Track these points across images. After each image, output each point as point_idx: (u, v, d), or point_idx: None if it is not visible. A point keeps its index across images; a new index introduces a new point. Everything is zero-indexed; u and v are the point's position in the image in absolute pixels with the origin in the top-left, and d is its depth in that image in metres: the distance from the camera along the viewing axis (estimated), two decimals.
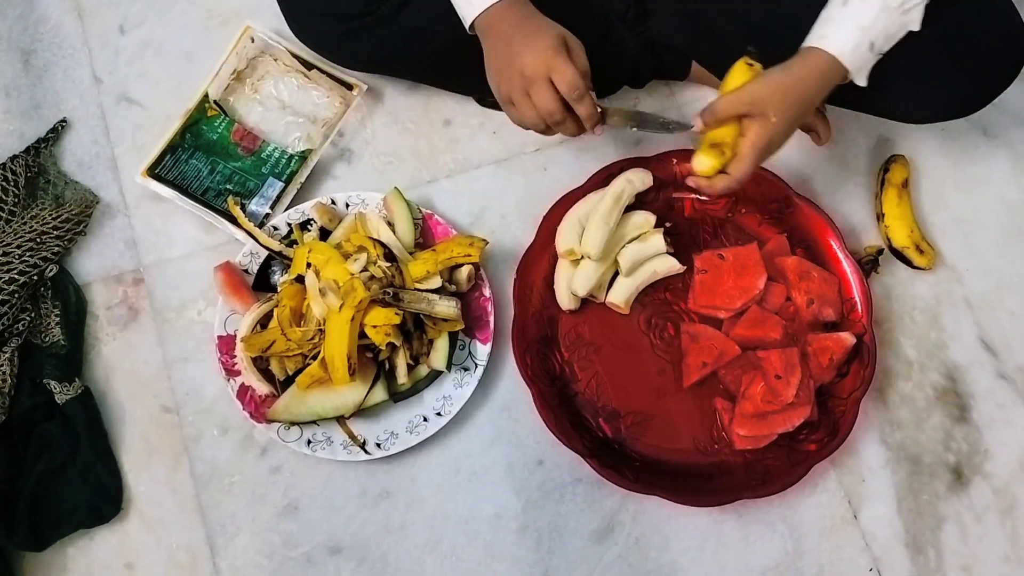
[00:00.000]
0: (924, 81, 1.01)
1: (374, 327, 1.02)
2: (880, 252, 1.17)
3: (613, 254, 1.12)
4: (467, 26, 0.98)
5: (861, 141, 1.24)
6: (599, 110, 0.96)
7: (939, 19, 0.95)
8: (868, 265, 1.16)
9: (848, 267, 1.13)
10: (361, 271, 1.04)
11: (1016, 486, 1.11)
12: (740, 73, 0.96)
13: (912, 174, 1.22)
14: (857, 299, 1.11)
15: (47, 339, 1.10)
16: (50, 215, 1.13)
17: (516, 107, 0.96)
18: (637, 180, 1.14)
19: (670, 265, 1.14)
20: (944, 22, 0.96)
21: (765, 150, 0.94)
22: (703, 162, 0.95)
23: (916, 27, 0.94)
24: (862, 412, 1.08)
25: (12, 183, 1.14)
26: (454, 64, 1.12)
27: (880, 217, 1.19)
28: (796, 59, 0.94)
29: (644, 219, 1.14)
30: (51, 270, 1.11)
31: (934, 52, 0.98)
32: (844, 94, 1.09)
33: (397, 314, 1.02)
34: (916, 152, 1.24)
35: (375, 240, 1.07)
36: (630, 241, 1.13)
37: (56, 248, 1.12)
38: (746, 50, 0.97)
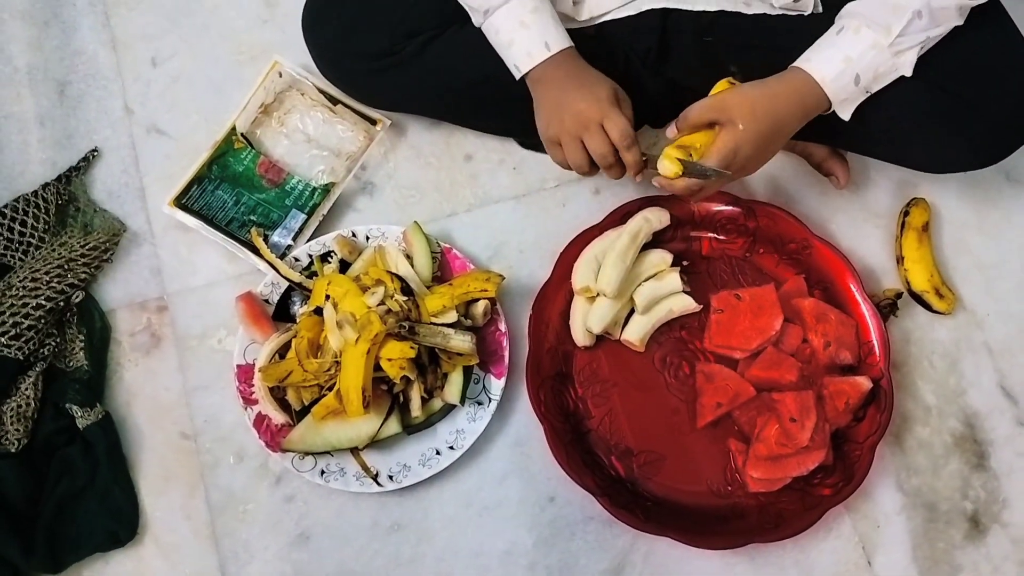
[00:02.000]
0: (945, 134, 1.02)
1: (389, 360, 1.03)
2: (899, 295, 1.16)
3: (629, 292, 1.13)
4: (518, 75, 1.02)
5: (881, 183, 1.24)
6: (643, 158, 1.00)
7: (957, 71, 0.96)
8: (887, 308, 1.16)
9: (866, 310, 1.12)
10: (378, 304, 1.05)
11: None
12: (721, 89, 1.00)
13: (933, 217, 1.22)
14: (875, 342, 1.11)
15: (71, 364, 1.12)
16: (78, 242, 1.15)
17: (564, 148, 1.00)
18: (654, 218, 1.14)
19: (686, 304, 1.14)
20: (963, 74, 0.96)
21: (729, 159, 0.95)
22: (667, 164, 0.97)
23: (908, 72, 0.95)
24: (878, 457, 1.07)
25: (43, 210, 1.17)
26: (477, 103, 1.14)
27: (900, 260, 1.19)
28: (776, 76, 0.97)
29: (661, 257, 1.15)
30: (77, 296, 1.14)
31: (954, 105, 0.98)
32: (867, 143, 1.10)
33: (412, 348, 1.03)
34: (937, 195, 1.23)
35: (393, 274, 1.08)
36: (646, 279, 1.14)
37: (83, 275, 1.14)
38: (730, 71, 1.01)
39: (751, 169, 1.00)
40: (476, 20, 1.03)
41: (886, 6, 0.93)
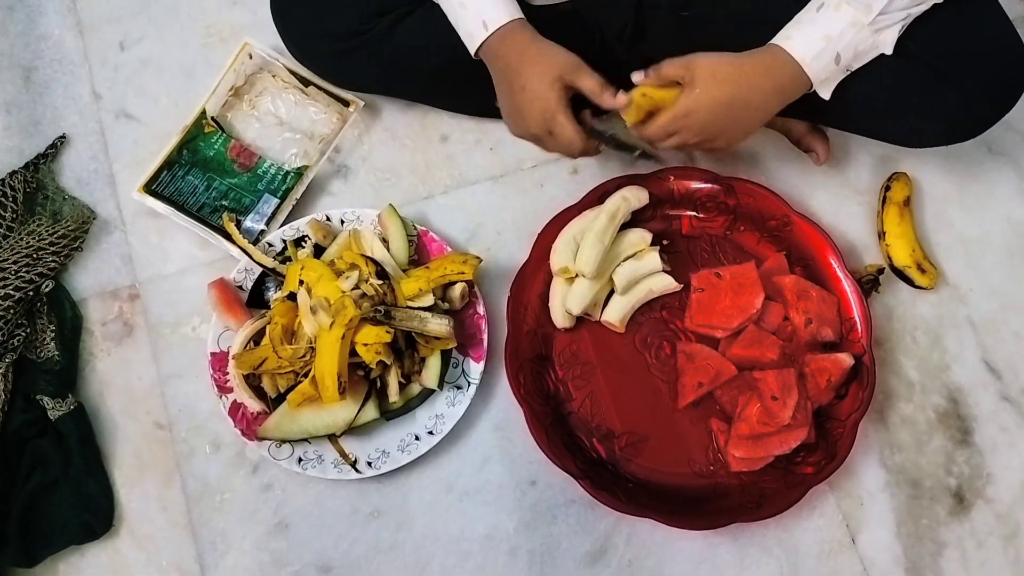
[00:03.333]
0: (925, 108, 1.00)
1: (365, 345, 1.01)
2: (881, 271, 1.15)
3: (608, 272, 1.11)
4: (472, 54, 1.00)
5: (862, 158, 1.23)
6: (599, 145, 1.04)
7: (936, 44, 0.95)
8: (868, 284, 1.14)
9: (848, 286, 1.11)
10: (353, 289, 1.03)
11: (1020, 511, 1.09)
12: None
13: (915, 192, 1.20)
14: (857, 319, 1.10)
15: (42, 355, 1.10)
16: (47, 231, 1.13)
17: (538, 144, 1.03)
18: (633, 198, 1.13)
19: (666, 283, 1.13)
20: (941, 47, 0.95)
21: (681, 121, 0.95)
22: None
23: (888, 50, 0.94)
24: (861, 434, 1.06)
25: (11, 199, 1.15)
26: (447, 83, 1.13)
27: (881, 235, 1.18)
28: (753, 50, 0.96)
29: (640, 237, 1.13)
30: (47, 286, 1.12)
31: (933, 78, 0.97)
32: (845, 118, 1.09)
33: (388, 332, 1.01)
34: (919, 170, 1.22)
35: (367, 257, 1.06)
36: (626, 259, 1.12)
37: (52, 264, 1.12)
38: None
39: (721, 143, 0.98)
40: None
41: None
